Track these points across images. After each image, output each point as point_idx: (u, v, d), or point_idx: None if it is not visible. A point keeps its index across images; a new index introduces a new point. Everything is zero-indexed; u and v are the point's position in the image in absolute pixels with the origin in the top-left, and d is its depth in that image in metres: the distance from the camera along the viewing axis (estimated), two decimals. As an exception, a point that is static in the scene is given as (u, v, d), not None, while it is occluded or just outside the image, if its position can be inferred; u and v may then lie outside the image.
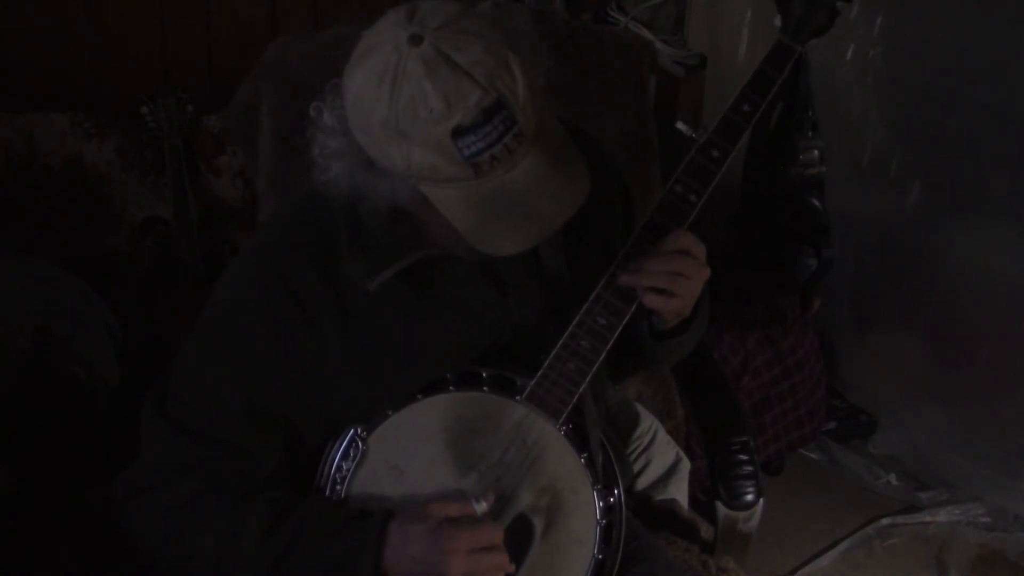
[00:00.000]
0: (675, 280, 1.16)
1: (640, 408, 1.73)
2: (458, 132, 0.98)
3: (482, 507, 1.13)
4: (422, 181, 1.04)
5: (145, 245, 2.22)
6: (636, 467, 1.65)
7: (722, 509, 1.57)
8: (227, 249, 2.25)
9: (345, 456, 1.18)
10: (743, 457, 1.58)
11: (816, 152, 2.43)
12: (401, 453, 1.18)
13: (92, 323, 1.96)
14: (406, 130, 0.99)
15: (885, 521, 2.49)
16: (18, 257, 2.01)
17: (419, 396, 1.19)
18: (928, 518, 2.50)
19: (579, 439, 1.21)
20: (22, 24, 2.17)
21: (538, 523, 1.19)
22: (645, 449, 1.67)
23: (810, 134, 2.43)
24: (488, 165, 1.01)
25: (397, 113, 0.99)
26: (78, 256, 2.16)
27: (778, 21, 1.23)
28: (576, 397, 1.18)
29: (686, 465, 1.71)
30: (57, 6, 2.18)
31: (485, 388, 1.20)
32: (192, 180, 2.19)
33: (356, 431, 1.18)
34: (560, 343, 1.18)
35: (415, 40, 0.99)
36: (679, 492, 1.68)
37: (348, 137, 1.06)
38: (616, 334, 1.18)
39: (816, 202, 2.49)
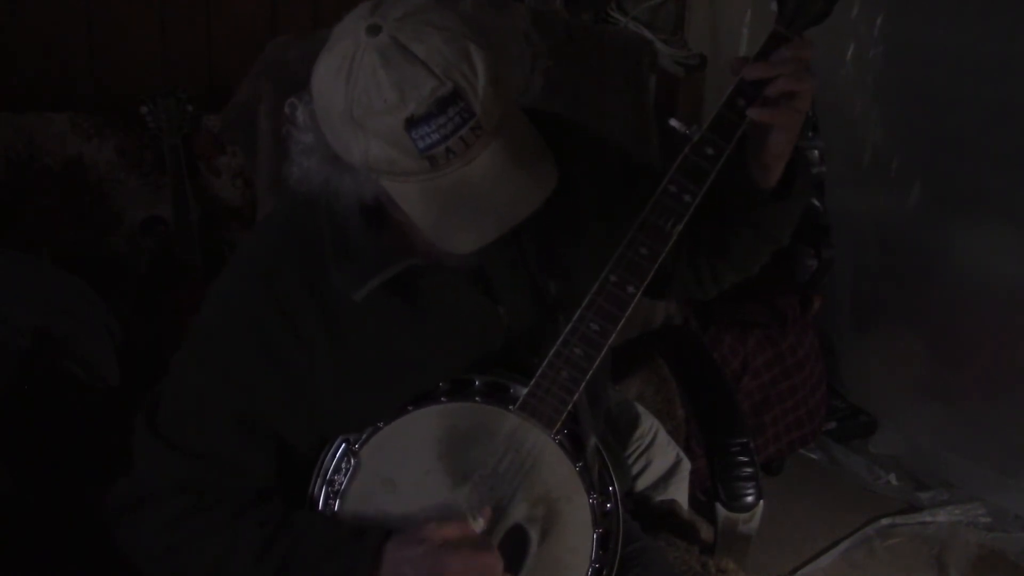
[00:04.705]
0: (798, 79, 1.11)
1: (640, 409, 1.73)
2: (412, 123, 0.97)
3: (479, 524, 1.11)
4: (381, 175, 1.03)
5: (145, 245, 2.22)
6: (636, 468, 1.65)
7: (722, 511, 1.57)
8: (227, 249, 2.25)
9: (337, 470, 1.17)
10: (743, 458, 1.58)
11: (816, 152, 2.43)
12: (394, 466, 1.17)
13: (92, 323, 1.96)
14: (362, 121, 0.99)
15: (885, 521, 2.49)
16: (18, 257, 2.01)
17: (410, 407, 1.18)
18: (928, 518, 2.50)
19: (574, 447, 1.20)
20: (22, 24, 2.17)
21: (534, 533, 1.18)
22: (645, 450, 1.67)
23: (810, 134, 2.43)
24: (444, 158, 0.99)
25: (352, 103, 0.99)
26: (78, 256, 2.16)
27: (774, 6, 1.20)
28: (570, 405, 1.17)
29: (686, 466, 1.70)
30: (57, 6, 2.18)
31: (478, 398, 1.18)
32: (192, 180, 2.19)
33: (348, 444, 1.17)
34: (553, 351, 1.16)
35: (373, 30, 0.98)
36: (679, 493, 1.68)
37: (317, 133, 1.06)
38: (610, 340, 1.16)
39: (816, 202, 2.49)
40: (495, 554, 1.12)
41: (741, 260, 1.34)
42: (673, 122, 1.18)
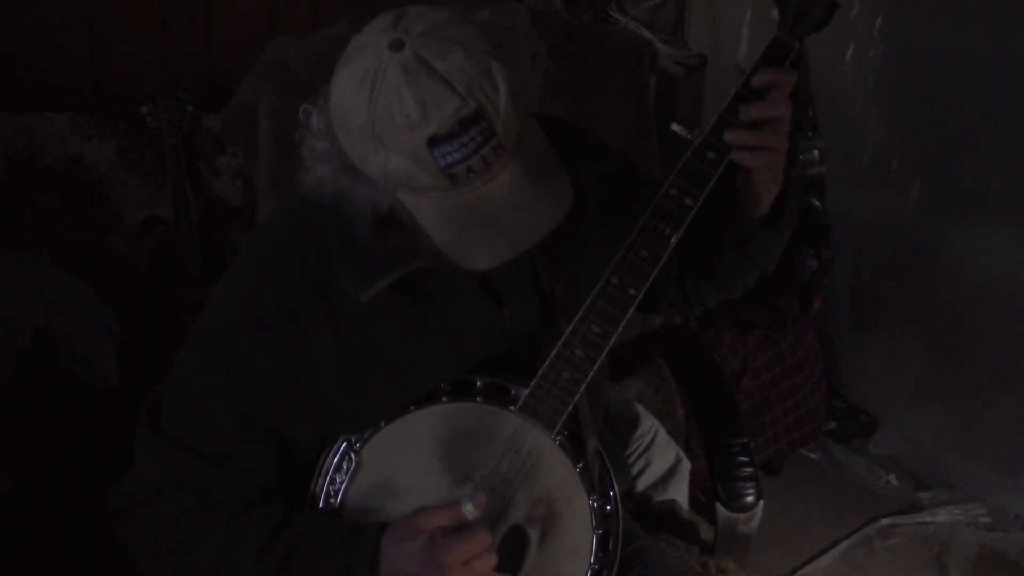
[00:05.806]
0: (763, 135, 1.14)
1: (640, 409, 1.73)
2: (434, 141, 0.97)
3: (469, 509, 1.10)
4: (399, 188, 1.03)
5: (145, 245, 2.22)
6: (636, 468, 1.65)
7: (722, 511, 1.57)
8: (227, 249, 2.25)
9: (338, 469, 1.17)
10: (743, 458, 1.58)
11: (816, 152, 2.42)
12: (394, 465, 1.18)
13: (92, 323, 1.96)
14: (383, 136, 0.99)
15: (885, 521, 2.49)
16: (18, 257, 2.01)
17: (412, 407, 1.18)
18: (928, 518, 2.50)
19: (574, 448, 1.20)
20: (22, 24, 2.17)
21: (533, 534, 1.18)
22: (645, 450, 1.67)
23: (810, 134, 2.43)
24: (464, 177, 1.00)
25: (375, 118, 0.98)
26: (78, 256, 2.17)
27: (775, 13, 1.20)
28: (570, 407, 1.17)
29: (686, 466, 1.70)
30: (57, 6, 2.18)
31: (479, 399, 1.19)
32: (192, 180, 2.19)
33: (349, 443, 1.17)
34: (554, 352, 1.16)
35: (396, 46, 0.98)
36: (679, 493, 1.68)
37: (333, 141, 1.05)
38: (611, 342, 1.16)
39: (816, 202, 2.49)
40: (486, 534, 1.10)
41: (725, 283, 1.36)
42: (675, 126, 1.19)
